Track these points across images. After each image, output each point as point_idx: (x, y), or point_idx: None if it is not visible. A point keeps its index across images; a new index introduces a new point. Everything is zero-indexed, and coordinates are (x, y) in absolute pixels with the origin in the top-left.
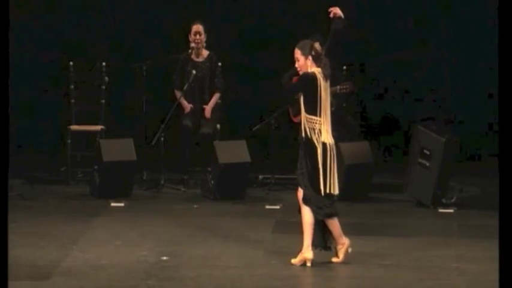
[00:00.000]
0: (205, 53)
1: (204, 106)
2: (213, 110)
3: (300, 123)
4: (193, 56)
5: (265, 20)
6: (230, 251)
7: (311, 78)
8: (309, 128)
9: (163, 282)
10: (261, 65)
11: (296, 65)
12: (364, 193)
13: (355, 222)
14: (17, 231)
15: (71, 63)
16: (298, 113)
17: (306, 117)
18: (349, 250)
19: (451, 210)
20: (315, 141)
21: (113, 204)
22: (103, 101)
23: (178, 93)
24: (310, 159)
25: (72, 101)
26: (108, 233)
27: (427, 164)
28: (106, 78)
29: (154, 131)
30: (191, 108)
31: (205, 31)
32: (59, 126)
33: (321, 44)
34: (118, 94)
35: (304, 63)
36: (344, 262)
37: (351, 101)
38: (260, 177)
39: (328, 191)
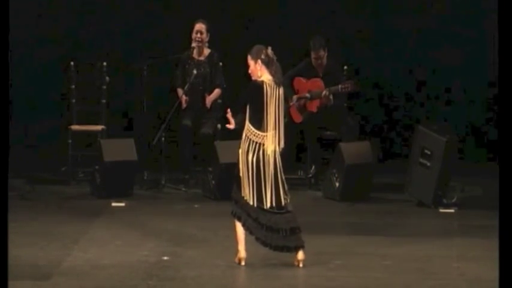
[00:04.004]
0: (206, 51)
1: (207, 95)
2: (214, 109)
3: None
4: (194, 55)
5: (267, 19)
6: (231, 251)
7: (257, 87)
8: (246, 135)
9: (164, 282)
10: None
11: (249, 71)
12: (365, 193)
13: (356, 222)
14: (17, 231)
15: (72, 63)
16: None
17: (248, 127)
18: (242, 263)
19: (452, 210)
20: (246, 152)
21: (113, 204)
22: (104, 101)
23: (180, 91)
24: (239, 164)
25: (73, 100)
26: (108, 232)
27: (428, 164)
28: (107, 78)
29: (155, 130)
30: (189, 104)
31: (208, 30)
32: (59, 126)
33: (321, 46)
34: (119, 94)
35: (255, 68)
36: (345, 262)
37: (352, 101)
38: None
39: (253, 203)
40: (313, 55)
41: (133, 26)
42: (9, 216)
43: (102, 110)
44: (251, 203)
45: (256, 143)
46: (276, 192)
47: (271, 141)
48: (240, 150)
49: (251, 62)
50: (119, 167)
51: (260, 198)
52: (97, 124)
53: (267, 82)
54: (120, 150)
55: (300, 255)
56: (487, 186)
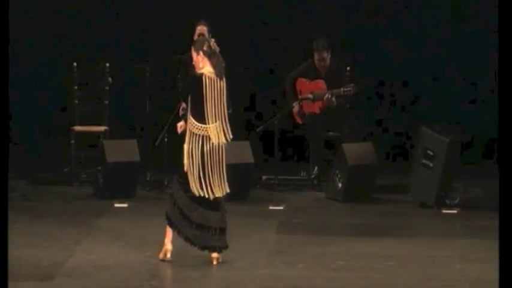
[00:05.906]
0: None
1: None
2: None
3: None
4: None
5: (268, 21)
6: (233, 252)
7: (195, 80)
8: (189, 130)
9: (167, 282)
10: (263, 66)
11: (193, 63)
12: (367, 194)
13: (359, 223)
14: (20, 232)
15: (75, 64)
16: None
17: (190, 120)
18: (168, 255)
19: (455, 211)
20: (191, 146)
21: (116, 205)
22: (106, 102)
23: None
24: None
25: (76, 101)
26: (111, 233)
27: (431, 165)
28: (109, 79)
29: (157, 131)
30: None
31: (210, 32)
32: (62, 127)
33: (325, 48)
34: (121, 95)
35: (197, 59)
36: (348, 263)
37: (355, 102)
38: (264, 178)
39: (198, 193)
40: (316, 57)
41: (135, 26)
42: (11, 217)
43: (105, 111)
44: (197, 194)
45: (199, 135)
46: (218, 184)
47: (216, 133)
48: (185, 146)
49: (194, 54)
50: (121, 168)
51: (202, 188)
52: (100, 125)
53: (207, 75)
54: (123, 151)
55: (216, 254)
56: (490, 187)
